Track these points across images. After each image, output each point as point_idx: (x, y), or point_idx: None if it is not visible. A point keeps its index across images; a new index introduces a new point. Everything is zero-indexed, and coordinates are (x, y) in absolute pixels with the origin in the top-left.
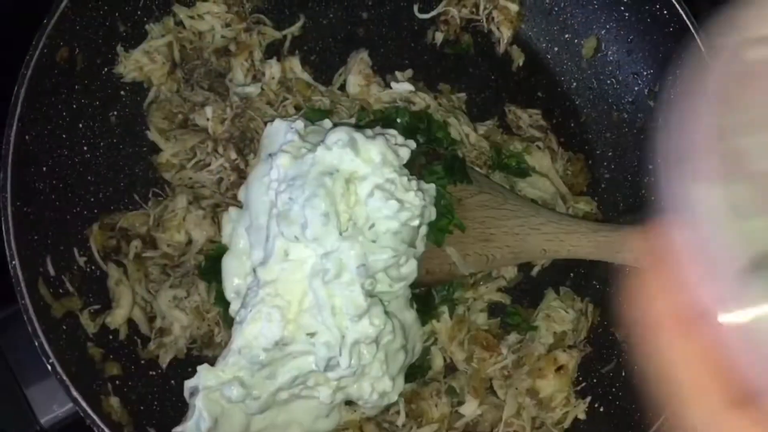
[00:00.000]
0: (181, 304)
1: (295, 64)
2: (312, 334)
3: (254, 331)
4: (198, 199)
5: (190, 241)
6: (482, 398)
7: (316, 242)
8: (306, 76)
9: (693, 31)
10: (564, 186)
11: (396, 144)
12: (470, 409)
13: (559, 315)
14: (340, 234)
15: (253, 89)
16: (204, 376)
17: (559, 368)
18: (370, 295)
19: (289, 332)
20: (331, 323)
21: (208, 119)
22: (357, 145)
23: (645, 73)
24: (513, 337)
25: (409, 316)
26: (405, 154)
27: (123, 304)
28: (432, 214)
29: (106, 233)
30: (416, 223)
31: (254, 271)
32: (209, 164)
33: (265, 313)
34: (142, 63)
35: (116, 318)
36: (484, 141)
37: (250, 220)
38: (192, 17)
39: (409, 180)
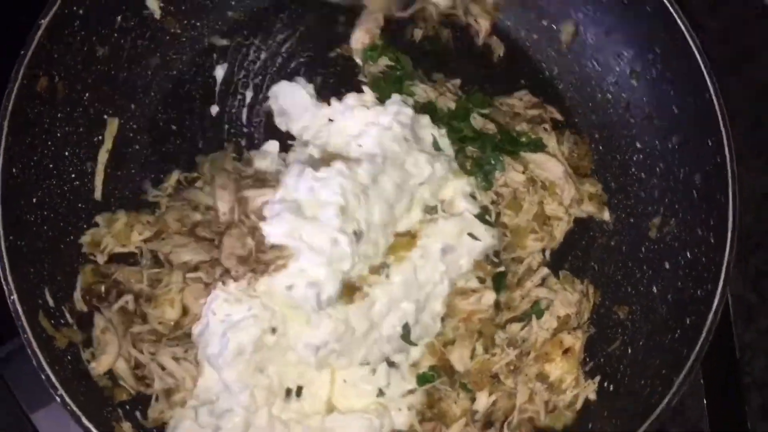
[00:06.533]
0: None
1: None
2: None
3: None
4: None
5: (185, 313)
6: (491, 388)
7: None
8: None
9: (670, 7)
10: (569, 167)
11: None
12: (482, 402)
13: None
14: None
15: None
16: None
17: (566, 351)
18: None
19: None
20: None
21: None
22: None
23: (625, 53)
24: (513, 328)
25: None
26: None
27: (109, 350)
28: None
29: (96, 276)
30: None
31: None
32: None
33: None
34: None
35: (102, 364)
36: (491, 123)
37: None
38: None
39: None
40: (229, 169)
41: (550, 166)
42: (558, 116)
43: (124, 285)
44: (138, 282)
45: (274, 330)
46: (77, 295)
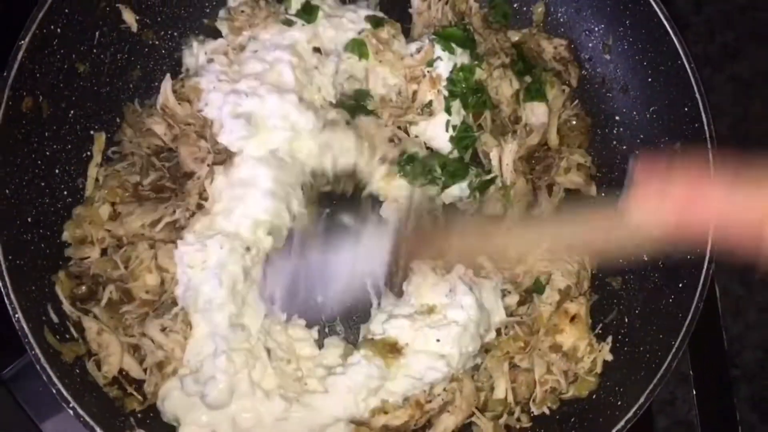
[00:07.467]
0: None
1: None
2: None
3: None
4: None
5: (164, 278)
6: (509, 373)
7: None
8: None
9: None
10: (555, 133)
11: None
12: (501, 390)
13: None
14: None
15: None
16: None
17: (573, 318)
18: None
19: None
20: None
21: None
22: None
23: (596, 28)
24: (519, 310)
25: None
26: None
27: (113, 351)
28: None
29: (73, 280)
30: None
31: None
32: None
33: None
34: None
35: (112, 366)
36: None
37: None
38: None
39: None
40: (137, 114)
41: (540, 112)
42: (573, 81)
43: (103, 276)
44: (114, 269)
45: (248, 249)
46: (66, 305)
